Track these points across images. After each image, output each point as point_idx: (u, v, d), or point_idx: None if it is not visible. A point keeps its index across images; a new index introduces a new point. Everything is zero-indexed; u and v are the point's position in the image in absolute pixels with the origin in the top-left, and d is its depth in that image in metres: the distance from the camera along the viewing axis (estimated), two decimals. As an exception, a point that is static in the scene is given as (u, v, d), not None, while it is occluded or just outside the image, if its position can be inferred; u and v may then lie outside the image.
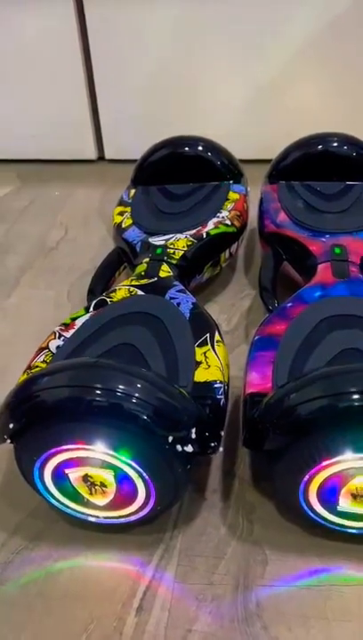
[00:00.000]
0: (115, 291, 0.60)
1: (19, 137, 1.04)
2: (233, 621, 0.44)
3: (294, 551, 0.48)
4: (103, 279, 0.67)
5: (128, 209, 0.74)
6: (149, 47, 0.94)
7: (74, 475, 0.45)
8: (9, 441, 0.45)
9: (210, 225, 0.70)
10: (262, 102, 0.96)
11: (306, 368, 0.50)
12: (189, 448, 0.43)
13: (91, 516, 0.48)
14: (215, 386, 0.49)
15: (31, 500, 0.51)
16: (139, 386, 0.43)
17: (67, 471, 0.45)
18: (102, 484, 0.45)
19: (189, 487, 0.52)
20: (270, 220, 0.71)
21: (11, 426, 0.44)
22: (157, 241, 0.68)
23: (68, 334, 0.55)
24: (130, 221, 0.72)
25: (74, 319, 0.57)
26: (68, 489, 0.47)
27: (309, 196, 0.72)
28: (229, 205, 0.72)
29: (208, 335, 0.54)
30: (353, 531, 0.46)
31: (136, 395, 0.43)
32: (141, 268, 0.64)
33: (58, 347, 0.54)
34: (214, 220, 0.70)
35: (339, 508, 0.45)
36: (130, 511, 0.47)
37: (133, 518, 0.47)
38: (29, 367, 0.53)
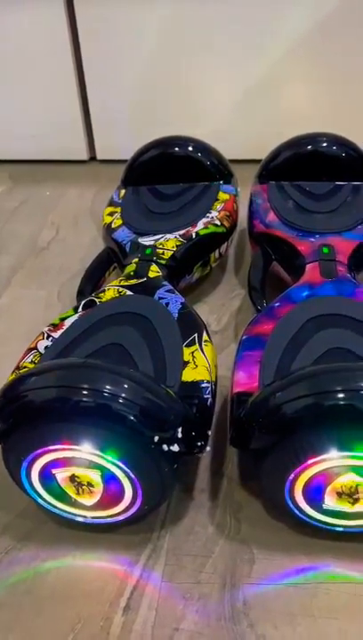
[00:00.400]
0: (104, 291, 0.61)
1: (10, 137, 1.04)
2: (220, 620, 0.44)
3: (281, 549, 0.48)
4: (93, 279, 0.67)
5: (118, 209, 0.74)
6: (140, 47, 0.94)
7: (61, 475, 0.46)
8: (-4, 441, 0.45)
9: (199, 225, 0.70)
10: (253, 102, 0.96)
11: (292, 367, 0.50)
12: (176, 448, 0.43)
13: (79, 515, 0.48)
14: (202, 385, 0.49)
15: (19, 501, 0.51)
16: (125, 386, 0.43)
17: (54, 471, 0.45)
18: (89, 484, 0.45)
19: (176, 487, 0.52)
20: (259, 220, 0.71)
21: (-2, 426, 0.44)
22: (146, 241, 0.68)
23: (57, 335, 0.55)
24: (120, 222, 0.72)
25: (63, 319, 0.57)
26: (56, 489, 0.47)
27: (298, 196, 0.73)
28: (219, 206, 0.73)
29: (196, 335, 0.54)
30: (340, 529, 0.47)
31: (122, 395, 0.43)
32: (131, 269, 0.64)
33: (46, 347, 0.54)
34: (204, 220, 0.70)
35: (325, 507, 0.45)
36: (117, 511, 0.47)
37: (120, 518, 0.47)
38: (17, 367, 0.53)
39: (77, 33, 0.94)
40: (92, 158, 1.06)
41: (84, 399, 0.43)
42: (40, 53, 0.95)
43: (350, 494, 0.44)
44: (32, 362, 0.53)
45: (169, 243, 0.67)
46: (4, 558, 0.48)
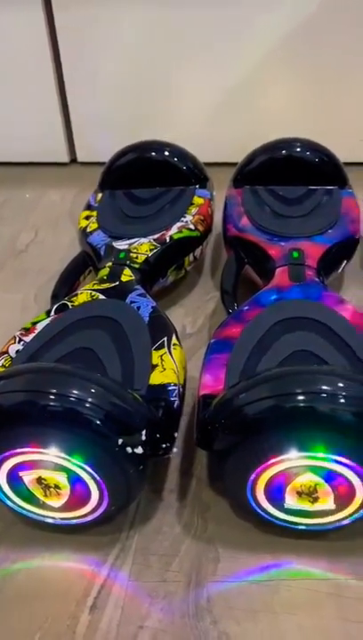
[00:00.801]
0: (76, 295, 0.61)
1: (-10, 139, 1.04)
2: (184, 617, 0.45)
3: (245, 548, 0.49)
4: (68, 283, 0.67)
5: (94, 213, 0.75)
6: (120, 50, 0.95)
7: (28, 477, 0.46)
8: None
9: (174, 229, 0.71)
10: (233, 105, 0.97)
11: (257, 370, 0.51)
12: (140, 450, 0.44)
13: (47, 517, 0.49)
14: (169, 388, 0.50)
15: (-11, 503, 0.51)
16: (91, 391, 0.44)
17: (21, 474, 0.46)
18: (56, 486, 0.46)
19: (146, 487, 0.53)
20: (232, 225, 0.72)
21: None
22: (120, 245, 0.69)
23: (28, 339, 0.56)
24: (95, 225, 0.73)
25: (35, 323, 0.58)
26: (24, 491, 0.47)
27: (271, 201, 0.74)
28: (194, 210, 0.74)
29: (166, 339, 0.55)
30: (302, 527, 0.48)
31: (88, 400, 0.44)
32: (104, 272, 0.65)
33: (17, 351, 0.55)
34: (178, 224, 0.71)
35: (286, 506, 0.46)
36: (85, 512, 0.48)
37: (88, 519, 0.48)
38: (-11, 371, 0.53)
39: (56, 35, 0.94)
40: (73, 160, 1.07)
41: (52, 404, 0.44)
42: (19, 55, 0.96)
43: (309, 493, 0.45)
44: (2, 366, 0.53)
45: (143, 247, 0.68)
46: (-25, 560, 0.49)
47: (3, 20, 0.92)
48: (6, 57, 0.96)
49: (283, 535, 0.49)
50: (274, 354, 0.52)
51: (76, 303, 0.60)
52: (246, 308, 0.59)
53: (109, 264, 0.66)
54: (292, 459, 0.44)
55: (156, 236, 0.70)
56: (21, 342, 0.55)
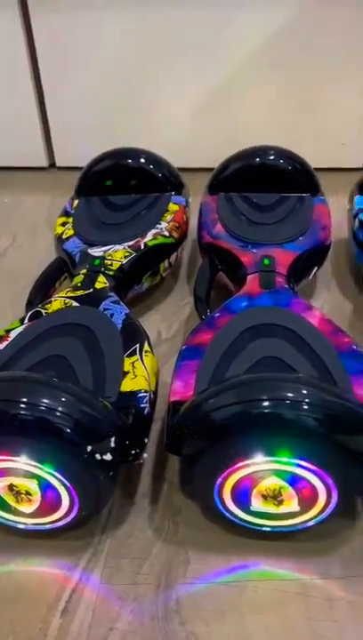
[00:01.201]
0: (50, 302, 0.62)
1: (-32, 144, 1.04)
2: (153, 619, 0.46)
3: (215, 550, 0.50)
4: (43, 290, 0.68)
5: (70, 219, 0.76)
6: (98, 55, 0.95)
7: (0, 484, 0.47)
8: None
9: (148, 236, 0.72)
10: (212, 111, 0.98)
11: (226, 376, 0.52)
12: (109, 456, 0.45)
13: (20, 523, 0.50)
14: (140, 395, 0.51)
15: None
16: (62, 400, 0.45)
17: (-7, 481, 0.47)
18: (27, 493, 0.47)
19: (119, 492, 0.54)
20: (206, 232, 0.73)
21: None
22: (95, 252, 0.70)
23: (2, 346, 0.56)
24: (71, 232, 0.74)
25: (8, 331, 0.58)
26: (-4, 498, 0.48)
27: (245, 208, 0.75)
28: (169, 217, 0.75)
29: (138, 345, 0.56)
30: (268, 529, 0.49)
31: (57, 408, 0.44)
32: (78, 279, 0.66)
33: (-10, 359, 0.55)
34: (153, 231, 0.72)
35: (252, 508, 0.48)
36: (56, 518, 0.49)
37: (59, 524, 0.49)
38: None
39: (33, 40, 0.94)
40: (52, 165, 1.07)
41: (22, 413, 0.44)
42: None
43: (274, 496, 0.47)
44: (-24, 374, 0.54)
45: (118, 254, 0.69)
46: None
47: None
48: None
49: (251, 537, 0.51)
50: (243, 360, 0.54)
51: (49, 310, 0.61)
52: (218, 314, 0.60)
53: (84, 271, 0.67)
54: (257, 463, 0.45)
55: (130, 243, 0.71)
56: (-5, 350, 0.56)
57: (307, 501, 0.47)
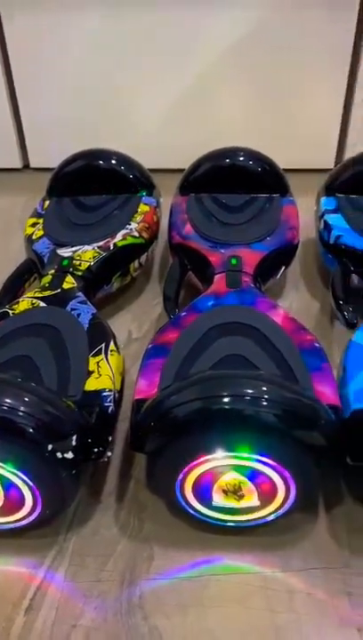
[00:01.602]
0: (18, 303, 0.62)
1: None
2: (116, 614, 0.47)
3: (179, 546, 0.51)
4: (11, 291, 0.68)
5: (40, 220, 0.76)
6: (71, 56, 0.96)
7: None
8: None
9: (118, 237, 0.72)
10: (185, 111, 0.99)
11: (189, 373, 0.53)
12: (70, 455, 0.46)
13: (-16, 522, 0.50)
14: (104, 394, 0.52)
15: None
16: (25, 399, 0.46)
17: None
18: (-10, 492, 0.47)
19: (85, 490, 0.54)
20: (176, 232, 0.74)
21: None
22: (64, 252, 0.70)
23: (-32, 347, 0.56)
24: (41, 233, 0.74)
25: (-25, 332, 0.59)
26: None
27: (214, 208, 0.76)
28: (139, 217, 0.75)
29: (103, 345, 0.56)
30: (231, 524, 0.50)
31: (19, 408, 0.45)
32: (46, 280, 0.66)
33: None
34: (123, 231, 0.73)
35: (214, 504, 0.49)
36: (20, 516, 0.49)
37: (23, 523, 0.50)
38: None
39: (5, 41, 0.94)
40: (26, 166, 1.07)
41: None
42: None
43: (234, 491, 0.48)
44: None
45: (87, 254, 0.70)
46: None
47: None
48: None
49: (212, 532, 0.51)
50: (207, 358, 0.55)
51: (16, 311, 0.61)
52: (184, 313, 0.61)
53: (52, 271, 0.67)
54: (217, 458, 0.46)
55: (100, 244, 0.71)
56: None
57: (266, 496, 0.48)
